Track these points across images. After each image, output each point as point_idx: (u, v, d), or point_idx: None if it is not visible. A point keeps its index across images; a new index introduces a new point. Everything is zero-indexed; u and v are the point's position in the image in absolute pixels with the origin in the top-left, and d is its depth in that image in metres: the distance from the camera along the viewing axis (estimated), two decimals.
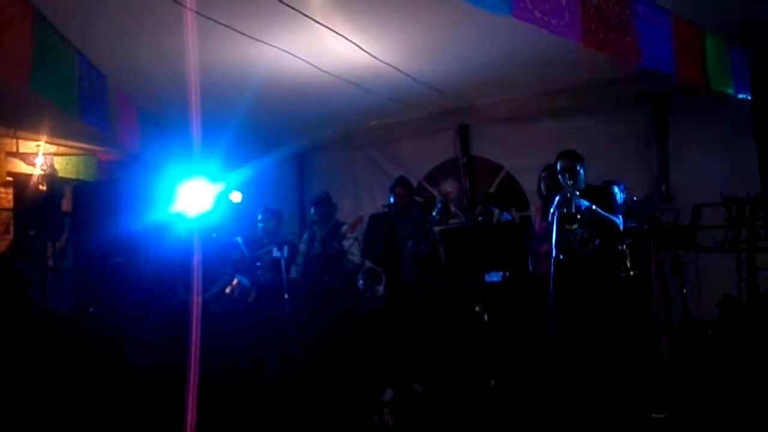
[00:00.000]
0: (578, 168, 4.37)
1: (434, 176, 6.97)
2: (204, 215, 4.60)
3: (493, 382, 4.35)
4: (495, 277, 4.84)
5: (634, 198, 4.98)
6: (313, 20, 3.91)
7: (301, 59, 4.57)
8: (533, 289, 4.64)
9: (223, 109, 4.91)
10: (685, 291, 5.03)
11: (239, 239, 5.58)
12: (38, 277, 5.33)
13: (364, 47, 4.43)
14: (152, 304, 5.59)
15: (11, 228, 6.04)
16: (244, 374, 5.23)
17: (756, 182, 4.76)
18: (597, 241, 4.37)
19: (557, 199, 4.30)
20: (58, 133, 6.18)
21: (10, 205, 6.00)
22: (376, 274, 4.99)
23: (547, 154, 4.93)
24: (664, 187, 5.52)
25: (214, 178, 4.77)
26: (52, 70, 3.40)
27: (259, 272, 5.47)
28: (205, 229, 5.32)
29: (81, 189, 6.27)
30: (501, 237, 4.63)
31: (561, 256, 4.13)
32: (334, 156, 7.58)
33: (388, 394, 4.72)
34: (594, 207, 4.22)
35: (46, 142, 6.35)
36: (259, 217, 5.78)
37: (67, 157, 6.83)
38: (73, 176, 6.78)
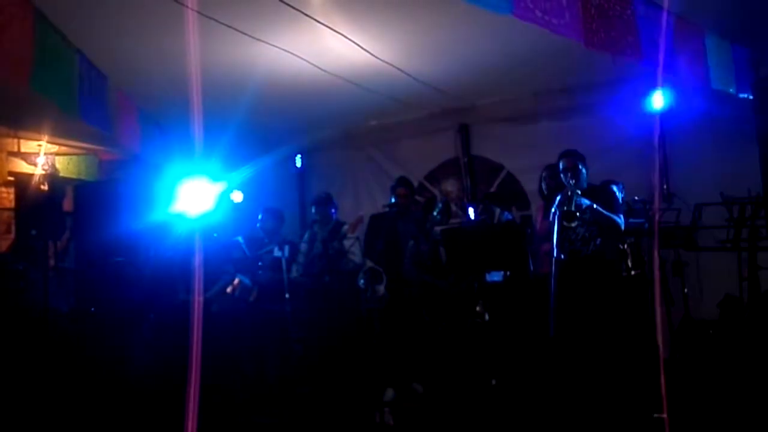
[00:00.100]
0: (580, 167, 4.37)
1: (435, 176, 6.97)
2: (205, 215, 4.61)
3: (493, 382, 4.35)
4: (496, 276, 4.84)
5: (635, 198, 4.98)
6: (314, 20, 3.91)
7: (302, 59, 4.57)
8: (534, 288, 4.64)
9: (223, 108, 4.91)
10: (686, 290, 5.03)
11: (240, 239, 5.58)
12: (39, 276, 5.32)
13: (364, 47, 4.43)
14: (153, 304, 5.59)
15: (12, 228, 6.04)
16: (245, 374, 5.23)
17: (756, 182, 4.76)
18: (598, 241, 4.36)
19: (558, 198, 4.30)
20: (60, 132, 6.19)
21: (12, 204, 6.00)
22: (377, 274, 4.99)
23: (547, 153, 4.93)
24: (664, 187, 5.52)
25: (214, 178, 4.78)
26: (52, 70, 3.40)
27: (260, 272, 5.47)
28: (206, 229, 5.33)
29: (82, 189, 6.27)
30: (502, 237, 4.64)
31: (562, 256, 4.13)
32: (335, 156, 7.58)
33: (389, 393, 4.72)
34: (595, 206, 4.22)
35: (48, 142, 6.36)
36: (259, 217, 5.79)
37: (69, 157, 6.83)
38: (74, 176, 6.79)
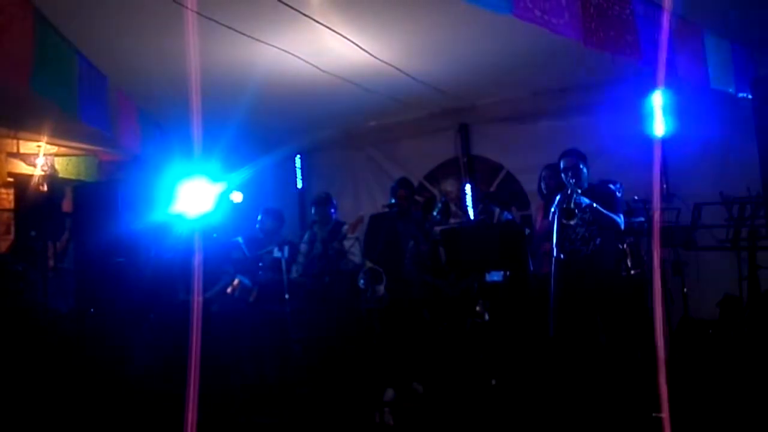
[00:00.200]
0: (581, 166, 4.38)
1: (434, 176, 6.97)
2: (205, 215, 4.61)
3: (493, 382, 4.35)
4: (496, 276, 4.84)
5: (635, 197, 4.98)
6: (313, 20, 3.91)
7: (301, 59, 4.57)
8: (534, 288, 4.64)
9: (223, 109, 4.91)
10: (685, 290, 5.03)
11: (240, 239, 5.58)
12: (39, 277, 5.33)
13: (364, 47, 4.43)
14: (153, 305, 5.60)
15: (12, 228, 6.04)
16: (244, 374, 5.23)
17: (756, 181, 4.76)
18: (598, 240, 4.37)
19: (558, 197, 4.30)
20: (59, 133, 6.19)
21: (11, 205, 6.00)
22: (376, 274, 4.99)
23: (547, 153, 4.93)
24: (664, 187, 5.52)
25: (214, 179, 4.78)
26: (52, 71, 3.40)
27: (260, 272, 5.47)
28: (206, 230, 5.33)
29: (82, 189, 6.26)
30: (501, 236, 4.64)
31: (562, 256, 4.13)
32: (335, 156, 7.58)
33: (389, 393, 4.71)
34: (595, 205, 4.23)
35: (47, 143, 6.36)
36: (258, 218, 5.79)
37: (68, 158, 6.84)
38: (73, 177, 6.79)
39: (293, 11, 3.74)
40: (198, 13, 3.03)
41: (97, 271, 5.76)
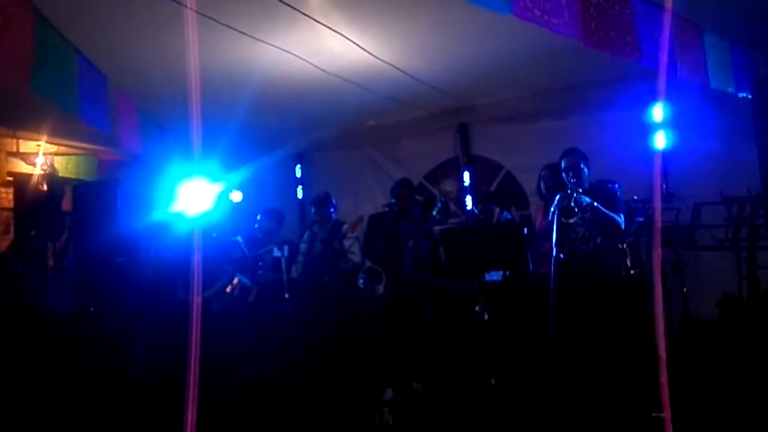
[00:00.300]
0: (582, 166, 4.38)
1: (434, 175, 6.97)
2: (204, 215, 4.61)
3: (493, 382, 4.35)
4: (495, 276, 4.84)
5: (634, 197, 4.98)
6: (313, 19, 3.91)
7: (301, 58, 4.57)
8: (534, 288, 4.64)
9: (223, 108, 4.91)
10: (685, 290, 5.03)
11: (239, 239, 5.58)
12: (39, 277, 5.33)
13: (363, 46, 4.43)
14: (153, 304, 5.60)
15: (11, 228, 6.04)
16: (244, 374, 5.23)
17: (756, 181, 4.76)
18: (598, 240, 4.36)
19: (558, 197, 4.30)
20: (59, 133, 6.19)
21: (11, 204, 6.00)
22: (376, 274, 5.00)
23: (547, 153, 4.93)
24: (663, 187, 5.51)
25: (214, 178, 4.77)
26: (52, 71, 3.39)
27: (259, 272, 5.47)
28: (206, 229, 5.32)
29: (81, 189, 6.26)
30: (501, 236, 4.63)
31: (562, 255, 4.13)
32: (335, 156, 7.58)
33: (389, 393, 4.71)
34: (596, 204, 4.22)
35: (47, 142, 6.36)
36: (258, 218, 5.79)
37: (68, 157, 6.84)
38: (73, 176, 6.79)
39: (293, 11, 3.74)
40: (198, 13, 3.02)
41: (96, 270, 5.76)
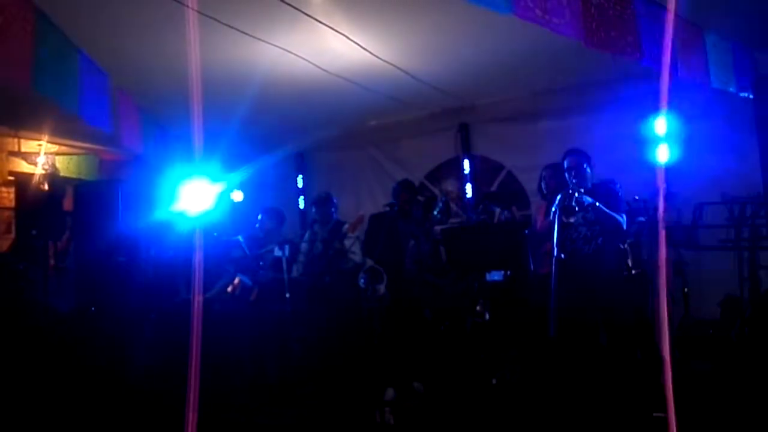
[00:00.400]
0: (584, 166, 4.37)
1: (435, 175, 6.97)
2: (205, 214, 4.61)
3: (494, 381, 4.34)
4: (496, 276, 4.84)
5: (635, 197, 4.98)
6: (315, 19, 3.91)
7: (303, 58, 4.58)
8: (534, 288, 4.63)
9: (224, 108, 4.92)
10: (686, 290, 5.03)
11: (240, 238, 5.58)
12: (40, 276, 5.33)
13: (365, 46, 4.43)
14: (154, 304, 5.60)
15: (13, 227, 6.05)
16: (245, 374, 5.23)
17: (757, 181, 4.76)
18: (600, 240, 4.36)
19: (559, 197, 4.29)
20: (60, 132, 6.19)
21: (12, 204, 6.01)
22: (377, 274, 5.00)
23: (548, 153, 4.92)
24: (665, 187, 5.51)
25: (215, 178, 4.77)
26: (53, 70, 3.40)
27: (260, 271, 5.47)
28: (207, 229, 5.33)
29: (83, 188, 6.27)
30: (502, 236, 4.63)
31: (563, 255, 4.12)
32: (335, 156, 7.58)
33: (390, 393, 4.71)
34: (598, 204, 4.22)
35: (48, 142, 6.36)
36: (258, 217, 5.79)
37: (69, 157, 6.84)
38: (74, 176, 6.79)
39: (295, 10, 3.74)
40: (199, 12, 3.03)
41: (97, 270, 5.77)
